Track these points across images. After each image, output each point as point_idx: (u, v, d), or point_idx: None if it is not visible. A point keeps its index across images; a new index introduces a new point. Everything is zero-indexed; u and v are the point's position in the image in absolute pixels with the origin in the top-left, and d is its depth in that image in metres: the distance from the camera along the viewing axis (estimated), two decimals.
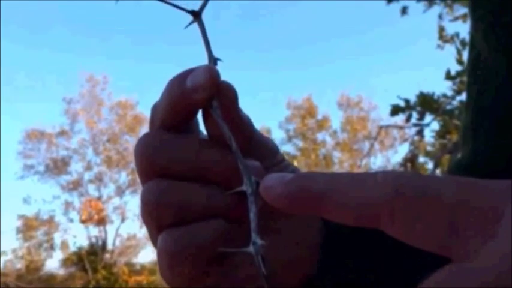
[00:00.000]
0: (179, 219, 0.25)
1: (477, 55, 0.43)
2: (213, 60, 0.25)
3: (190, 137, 0.26)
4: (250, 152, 0.27)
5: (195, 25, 0.26)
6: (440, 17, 4.68)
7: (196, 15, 0.26)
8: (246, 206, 0.24)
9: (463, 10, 4.63)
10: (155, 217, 0.25)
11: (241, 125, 0.26)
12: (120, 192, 12.74)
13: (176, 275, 0.26)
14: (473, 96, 0.42)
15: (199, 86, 0.24)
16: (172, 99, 0.25)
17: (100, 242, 12.62)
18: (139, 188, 0.27)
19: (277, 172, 0.28)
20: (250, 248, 0.21)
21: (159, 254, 0.26)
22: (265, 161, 0.27)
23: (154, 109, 0.27)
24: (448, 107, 4.14)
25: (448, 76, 4.03)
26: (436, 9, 4.70)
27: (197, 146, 0.26)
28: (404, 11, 4.72)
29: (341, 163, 12.69)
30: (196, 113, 0.26)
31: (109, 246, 12.74)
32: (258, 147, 0.28)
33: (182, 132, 0.27)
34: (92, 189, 12.80)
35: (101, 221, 12.57)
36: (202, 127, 0.28)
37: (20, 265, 12.60)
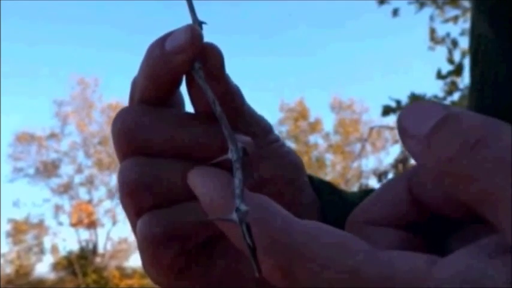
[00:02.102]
0: (160, 201, 0.23)
1: (479, 39, 0.41)
2: (198, 23, 0.23)
3: (173, 111, 0.24)
4: (239, 127, 0.24)
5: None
6: (431, 18, 4.71)
7: None
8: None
9: (453, 12, 4.67)
10: (134, 198, 0.23)
11: (228, 91, 0.24)
12: (111, 195, 12.63)
13: (158, 263, 0.23)
14: (475, 86, 0.41)
15: (179, 47, 0.22)
16: (151, 66, 0.23)
17: (91, 246, 12.51)
18: None
19: (269, 151, 0.26)
20: (233, 216, 0.18)
21: (138, 241, 0.23)
22: (257, 139, 0.24)
23: (133, 83, 0.24)
24: None
25: (439, 75, 4.05)
26: (427, 10, 4.73)
27: (180, 120, 0.23)
28: (395, 12, 4.74)
29: (333, 165, 12.71)
30: (179, 81, 0.24)
31: (100, 249, 12.64)
32: (248, 123, 0.25)
33: (164, 107, 0.24)
34: (82, 192, 12.69)
35: (92, 225, 12.46)
36: (188, 108, 0.26)
37: (9, 270, 12.44)
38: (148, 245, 0.23)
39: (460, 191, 0.14)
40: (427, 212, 0.18)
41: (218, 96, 0.22)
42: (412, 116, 0.15)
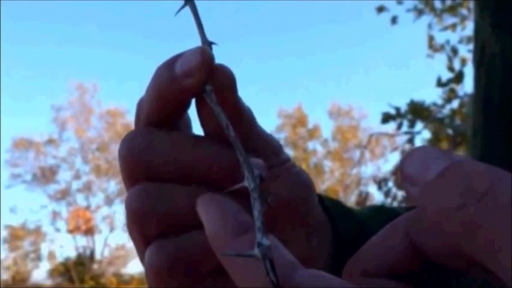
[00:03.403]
0: (170, 229, 0.22)
1: (483, 45, 0.41)
2: (207, 44, 0.22)
3: (181, 134, 0.23)
4: (251, 148, 0.23)
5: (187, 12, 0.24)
6: (429, 26, 4.73)
7: None
8: (247, 210, 0.21)
9: (451, 20, 4.69)
10: (142, 227, 0.22)
11: (241, 114, 0.23)
12: (109, 201, 12.61)
13: None
14: (481, 89, 0.41)
15: (190, 70, 0.21)
16: (160, 88, 0.22)
17: (88, 252, 12.46)
18: None
19: (280, 172, 0.25)
20: (255, 251, 0.17)
21: (147, 270, 0.23)
22: (268, 160, 0.24)
23: (140, 104, 0.23)
24: (439, 115, 4.17)
25: (439, 83, 4.06)
26: (426, 19, 4.75)
27: (189, 144, 0.23)
28: (394, 21, 4.77)
29: (332, 172, 12.72)
30: (188, 104, 0.23)
31: (97, 256, 12.59)
32: (259, 144, 0.24)
33: (172, 130, 0.23)
34: (80, 199, 12.66)
35: (89, 231, 12.41)
36: (195, 130, 0.25)
37: (6, 276, 12.37)
38: (155, 276, 0.22)
39: (465, 240, 0.14)
40: (422, 260, 0.17)
41: (229, 116, 0.21)
42: (415, 162, 0.15)
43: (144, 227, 0.22)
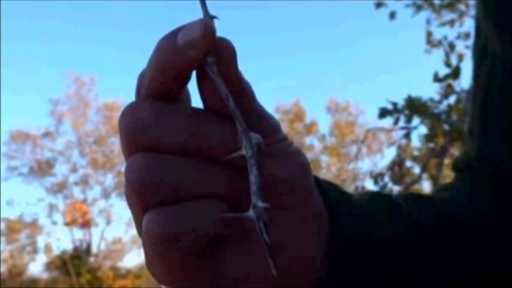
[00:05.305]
0: (168, 198, 0.22)
1: (484, 44, 0.41)
2: (209, 17, 0.22)
3: (182, 106, 0.24)
4: (250, 125, 0.23)
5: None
6: (428, 22, 4.73)
7: None
8: (244, 183, 0.21)
9: (450, 16, 4.69)
10: (140, 196, 0.22)
11: (241, 88, 0.23)
12: (105, 194, 12.59)
13: (164, 263, 0.23)
14: (480, 88, 0.41)
15: (193, 41, 0.21)
16: (162, 60, 0.22)
17: (85, 246, 12.45)
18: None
19: (277, 150, 0.26)
20: (251, 213, 0.18)
21: (144, 239, 0.23)
22: (266, 138, 0.24)
23: (141, 77, 0.24)
24: (436, 111, 4.17)
25: (436, 78, 4.06)
26: (424, 14, 4.75)
27: (191, 116, 0.23)
28: (392, 15, 4.76)
29: (329, 167, 12.73)
30: (189, 76, 0.23)
31: (94, 249, 12.58)
32: (257, 120, 0.25)
33: (173, 103, 0.23)
34: (77, 192, 12.64)
35: (86, 224, 12.40)
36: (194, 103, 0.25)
37: (2, 269, 12.36)
38: (154, 244, 0.22)
39: None
40: None
41: (230, 92, 0.21)
42: None
43: (144, 196, 0.22)
